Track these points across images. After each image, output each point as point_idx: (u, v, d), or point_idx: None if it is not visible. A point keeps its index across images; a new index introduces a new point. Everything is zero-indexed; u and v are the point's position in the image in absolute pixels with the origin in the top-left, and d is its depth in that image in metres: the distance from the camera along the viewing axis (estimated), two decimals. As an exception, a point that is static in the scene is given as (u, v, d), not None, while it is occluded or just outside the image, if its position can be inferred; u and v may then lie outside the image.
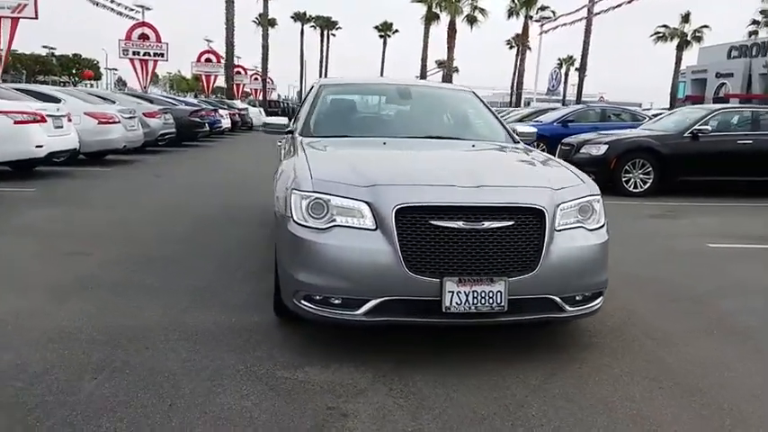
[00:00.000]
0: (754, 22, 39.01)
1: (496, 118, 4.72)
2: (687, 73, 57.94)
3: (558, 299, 3.02)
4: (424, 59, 41.60)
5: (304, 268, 2.97)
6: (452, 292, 2.82)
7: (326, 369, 2.91)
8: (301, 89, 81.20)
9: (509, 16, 43.37)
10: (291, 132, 4.39)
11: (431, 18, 41.27)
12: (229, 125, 24.53)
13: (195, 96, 34.12)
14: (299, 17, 71.69)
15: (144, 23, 29.08)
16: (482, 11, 43.07)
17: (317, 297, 2.97)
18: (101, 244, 5.27)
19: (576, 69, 73.23)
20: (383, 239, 2.86)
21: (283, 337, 3.28)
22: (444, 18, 39.70)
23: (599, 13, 29.88)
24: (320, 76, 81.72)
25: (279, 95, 74.31)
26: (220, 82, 44.22)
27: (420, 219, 2.86)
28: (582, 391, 2.78)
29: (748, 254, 5.84)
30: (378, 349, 3.13)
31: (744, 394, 2.80)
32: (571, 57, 71.71)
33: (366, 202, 2.93)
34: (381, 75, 79.74)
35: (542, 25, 28.58)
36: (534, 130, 4.74)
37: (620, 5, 28.31)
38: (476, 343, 3.27)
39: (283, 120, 4.48)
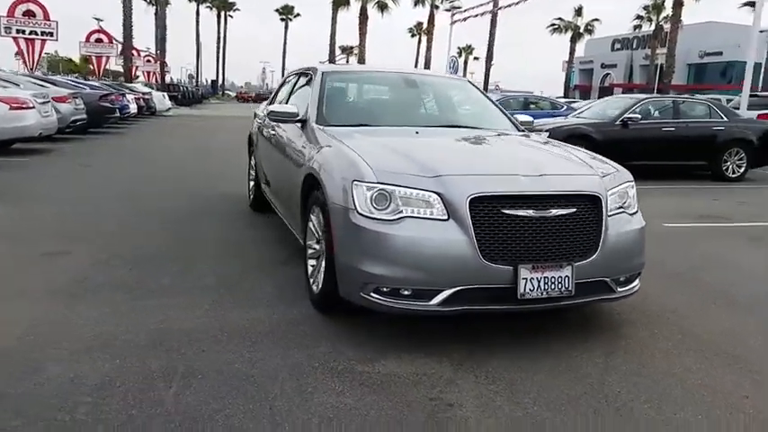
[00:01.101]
0: (638, 17, 41.98)
1: (497, 106, 4.84)
2: (575, 63, 61.92)
3: (609, 281, 3.19)
4: (332, 45, 41.25)
5: (375, 260, 2.92)
6: (526, 279, 2.90)
7: (402, 361, 2.89)
8: (197, 73, 77.78)
9: (415, 4, 43.92)
10: (303, 122, 4.25)
11: (340, 3, 40.90)
12: (136, 110, 23.12)
13: (86, 79, 31.56)
14: (195, -4, 68.48)
15: (29, -1, 26.55)
16: (394, -2, 43.29)
17: (386, 289, 2.95)
18: (74, 242, 4.85)
19: (474, 59, 75.52)
20: (457, 229, 2.88)
21: (337, 332, 3.21)
22: (355, 4, 39.54)
23: (508, 6, 31.04)
24: (218, 61, 78.58)
25: (172, 79, 70.75)
26: (111, 64, 41.43)
27: (492, 208, 2.90)
28: (645, 366, 2.95)
29: (704, 232, 6.40)
30: (438, 339, 3.15)
31: (777, 359, 3.12)
32: (470, 46, 73.96)
33: (436, 193, 2.93)
34: (284, 59, 78.06)
35: (453, 15, 29.32)
36: (531, 118, 4.90)
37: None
38: (529, 328, 3.36)
39: (292, 108, 4.31)
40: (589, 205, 3.09)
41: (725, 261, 5.14)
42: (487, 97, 4.93)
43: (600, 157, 3.73)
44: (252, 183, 6.48)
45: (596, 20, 42.73)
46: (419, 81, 5.01)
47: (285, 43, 71.19)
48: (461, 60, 73.50)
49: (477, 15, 30.08)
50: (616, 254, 3.15)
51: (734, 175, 10.40)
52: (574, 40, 44.09)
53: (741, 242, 5.97)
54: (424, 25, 45.86)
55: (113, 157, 11.59)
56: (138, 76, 56.43)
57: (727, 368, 2.98)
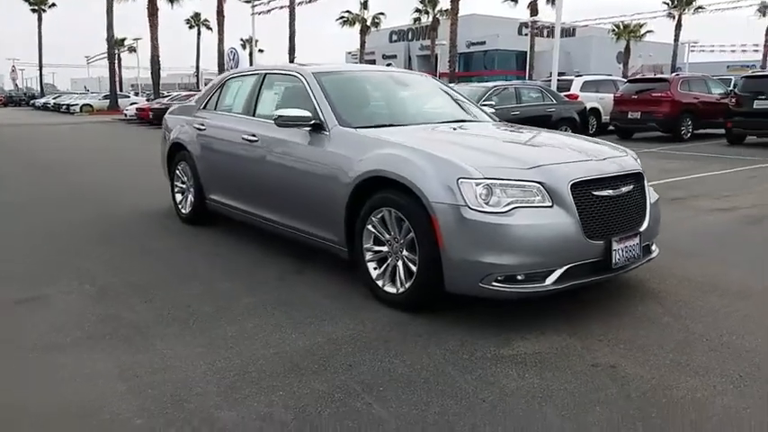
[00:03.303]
0: (417, 10, 45.39)
1: (467, 99, 5.21)
2: (358, 55, 64.91)
3: (650, 244, 3.78)
4: (110, 39, 37.57)
5: (494, 251, 3.11)
6: (616, 250, 3.34)
7: (530, 341, 3.12)
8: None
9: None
10: (318, 126, 4.14)
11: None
12: None
13: None
14: None
15: None
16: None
17: (502, 276, 3.16)
18: (44, 271, 4.13)
19: (260, 51, 74.46)
20: (563, 213, 3.20)
21: (445, 327, 3.30)
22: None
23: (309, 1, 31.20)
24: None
25: None
26: None
27: (586, 191, 3.28)
28: (698, 329, 3.31)
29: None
30: (538, 318, 3.42)
31: None
32: (251, 38, 72.95)
33: (539, 182, 3.21)
34: (40, 56, 68.66)
35: (253, 6, 28.69)
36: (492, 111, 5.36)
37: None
38: (589, 297, 3.76)
39: (304, 112, 4.15)
40: (639, 181, 3.63)
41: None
42: (457, 91, 5.26)
43: (602, 141, 4.32)
44: (183, 195, 5.98)
45: (381, 13, 45.24)
46: (405, 80, 5.16)
47: (40, 37, 62.50)
48: (246, 53, 72.30)
49: (282, 7, 29.89)
50: (654, 221, 3.74)
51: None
52: (363, 33, 46.06)
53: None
54: (214, 15, 43.95)
55: None
56: None
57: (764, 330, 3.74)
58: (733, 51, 46.01)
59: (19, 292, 3.95)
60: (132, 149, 15.07)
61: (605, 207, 3.34)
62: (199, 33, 62.64)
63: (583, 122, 12.26)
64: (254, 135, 4.72)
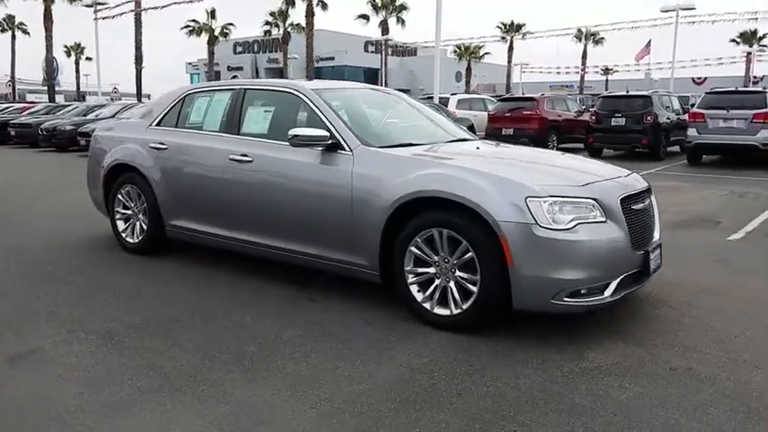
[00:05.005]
0: (267, 22, 44.82)
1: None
2: (200, 65, 62.41)
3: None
4: None
5: (566, 267, 3.24)
6: (653, 258, 3.63)
7: (599, 351, 3.28)
8: None
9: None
10: (334, 146, 3.97)
11: None
12: None
13: None
14: None
15: None
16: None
17: (569, 292, 3.28)
18: (16, 319, 3.46)
19: (87, 59, 68.70)
20: (616, 227, 3.41)
21: (510, 343, 3.35)
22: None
23: (155, 8, 29.21)
24: None
25: None
26: None
27: (628, 206, 3.54)
28: (717, 326, 3.69)
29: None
30: (588, 329, 3.60)
31: None
32: (79, 45, 67.15)
33: (593, 199, 3.40)
34: None
35: (96, 11, 26.30)
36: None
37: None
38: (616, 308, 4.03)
39: (321, 131, 3.94)
40: (650, 195, 3.98)
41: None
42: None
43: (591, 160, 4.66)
44: (127, 223, 5.36)
45: (231, 24, 43.78)
46: (390, 97, 5.15)
47: None
48: (71, 60, 65.98)
49: (124, 13, 27.66)
50: (659, 229, 4.13)
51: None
52: (211, 43, 44.36)
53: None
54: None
55: None
56: None
57: None
58: (558, 73, 51.64)
59: (5, 348, 3.29)
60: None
61: (640, 220, 3.63)
62: (14, 38, 55.91)
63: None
64: (244, 155, 4.39)
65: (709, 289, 4.38)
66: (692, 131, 12.79)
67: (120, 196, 5.40)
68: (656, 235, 3.90)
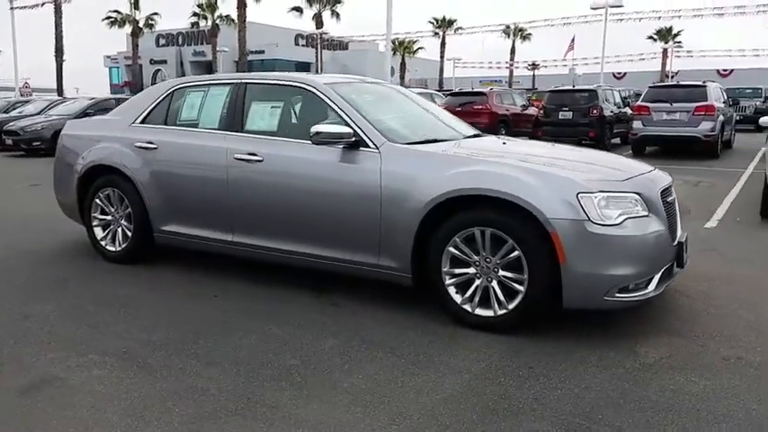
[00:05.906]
0: (195, 14, 43.21)
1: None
2: (120, 59, 59.54)
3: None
4: None
5: (619, 262, 3.21)
6: (685, 250, 3.66)
7: (647, 346, 3.27)
8: None
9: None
10: (357, 143, 3.77)
11: None
12: None
13: None
14: None
15: None
16: None
17: (620, 287, 3.25)
18: (15, 342, 3.07)
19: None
20: (658, 221, 3.41)
21: (556, 342, 3.28)
22: None
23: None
24: None
25: None
26: None
27: (663, 199, 3.54)
28: (745, 314, 3.86)
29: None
30: (626, 326, 3.59)
31: None
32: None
33: (637, 193, 3.38)
34: None
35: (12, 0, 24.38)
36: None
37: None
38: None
39: (345, 128, 3.71)
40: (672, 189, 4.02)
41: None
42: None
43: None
44: (107, 230, 4.93)
45: (156, 14, 41.68)
46: (395, 91, 4.97)
47: None
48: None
49: (42, 4, 25.73)
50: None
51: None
52: (135, 35, 42.26)
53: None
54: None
55: None
56: None
57: None
58: (490, 68, 52.75)
59: (11, 379, 2.90)
60: None
61: (673, 213, 3.65)
62: None
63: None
64: (252, 154, 4.10)
65: (716, 278, 4.49)
66: (637, 124, 13.28)
67: (97, 201, 4.95)
68: (681, 227, 3.94)
